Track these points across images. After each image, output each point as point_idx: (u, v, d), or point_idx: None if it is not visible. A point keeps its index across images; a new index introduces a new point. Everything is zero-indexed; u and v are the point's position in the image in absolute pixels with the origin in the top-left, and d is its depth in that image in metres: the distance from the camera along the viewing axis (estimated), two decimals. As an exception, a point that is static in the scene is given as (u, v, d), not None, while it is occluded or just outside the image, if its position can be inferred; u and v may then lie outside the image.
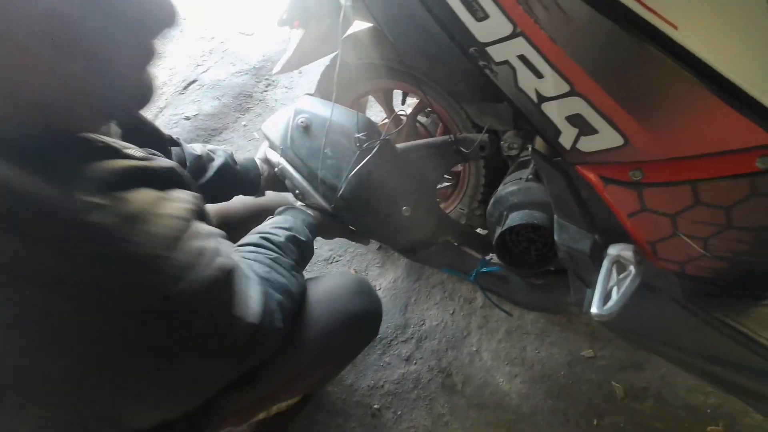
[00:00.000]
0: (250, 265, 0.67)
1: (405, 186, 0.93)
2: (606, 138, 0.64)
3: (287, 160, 0.93)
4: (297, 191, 0.95)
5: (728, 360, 0.77)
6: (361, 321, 0.86)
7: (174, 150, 0.85)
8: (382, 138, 0.89)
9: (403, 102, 1.39)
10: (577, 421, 1.16)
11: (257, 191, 1.01)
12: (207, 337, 0.52)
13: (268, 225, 0.84)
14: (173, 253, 0.45)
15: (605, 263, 0.71)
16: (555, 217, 0.79)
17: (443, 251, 1.03)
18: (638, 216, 0.69)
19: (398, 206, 0.92)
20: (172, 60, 2.39)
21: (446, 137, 0.94)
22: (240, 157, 0.99)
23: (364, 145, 0.87)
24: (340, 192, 0.89)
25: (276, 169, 0.95)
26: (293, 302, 0.74)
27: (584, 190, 0.74)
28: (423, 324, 1.37)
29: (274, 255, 0.75)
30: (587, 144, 0.66)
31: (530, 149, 0.78)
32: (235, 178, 0.95)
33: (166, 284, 0.44)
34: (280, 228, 0.82)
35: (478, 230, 1.14)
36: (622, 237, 0.73)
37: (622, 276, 0.69)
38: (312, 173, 0.91)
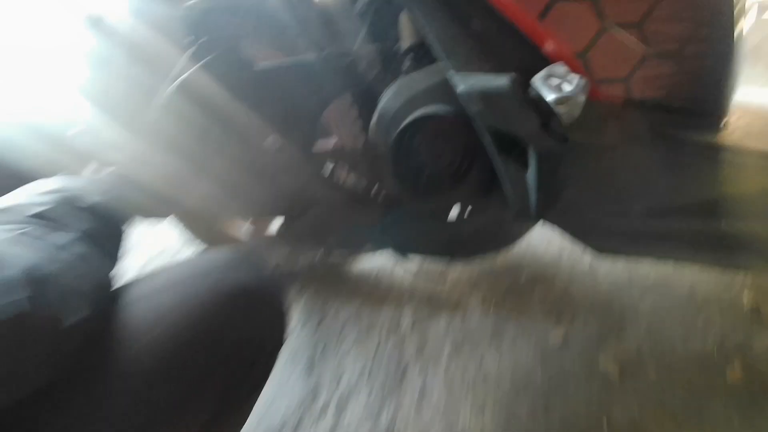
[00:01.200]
0: None
1: (270, 109, 0.62)
2: None
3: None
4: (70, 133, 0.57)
5: (724, 200, 0.56)
6: (244, 304, 0.50)
7: None
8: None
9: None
10: (582, 429, 0.79)
11: None
12: None
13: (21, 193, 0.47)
14: None
15: (538, 83, 0.48)
16: (450, 73, 0.56)
17: (331, 211, 0.70)
18: (552, 12, 0.50)
19: (261, 134, 0.61)
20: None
21: (324, 53, 0.69)
22: None
23: (200, 41, 0.57)
24: (159, 105, 0.55)
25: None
26: (71, 292, 0.39)
27: (475, 17, 0.54)
28: (340, 380, 0.93)
29: (24, 228, 0.41)
30: None
31: None
32: None
33: None
34: (43, 193, 0.47)
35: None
36: (542, 65, 0.53)
37: (567, 79, 0.45)
38: (107, 92, 0.56)
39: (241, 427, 0.56)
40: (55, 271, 0.37)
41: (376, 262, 1.25)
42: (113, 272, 0.47)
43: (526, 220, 0.62)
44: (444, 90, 0.62)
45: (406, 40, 0.69)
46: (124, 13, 0.58)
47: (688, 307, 1.04)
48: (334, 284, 1.17)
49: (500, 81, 0.51)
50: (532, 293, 1.11)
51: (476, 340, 0.98)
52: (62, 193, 0.47)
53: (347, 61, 0.70)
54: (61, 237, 0.41)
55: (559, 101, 0.44)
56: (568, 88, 0.45)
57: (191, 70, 0.57)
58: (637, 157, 0.55)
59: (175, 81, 0.57)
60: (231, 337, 0.49)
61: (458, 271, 1.19)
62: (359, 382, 0.93)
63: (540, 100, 0.48)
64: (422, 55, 0.70)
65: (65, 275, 0.38)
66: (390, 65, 0.76)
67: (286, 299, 0.58)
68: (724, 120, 0.60)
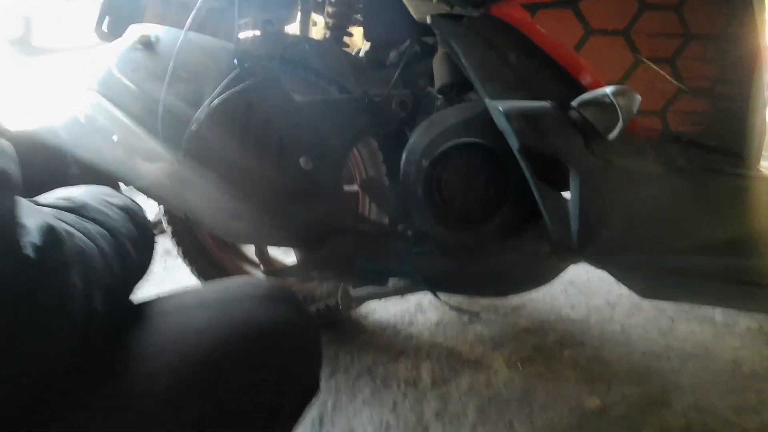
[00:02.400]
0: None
1: (302, 134, 0.65)
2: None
3: (108, 98, 0.59)
4: (114, 138, 0.58)
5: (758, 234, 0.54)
6: (279, 340, 0.47)
7: None
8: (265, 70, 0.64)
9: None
10: None
11: None
12: None
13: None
14: None
15: (584, 95, 0.48)
16: (487, 101, 0.57)
17: (357, 241, 0.68)
18: (587, 45, 0.53)
19: (293, 155, 0.62)
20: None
21: (360, 94, 0.73)
22: None
23: (246, 65, 0.61)
24: (199, 120, 0.57)
25: (83, 117, 0.60)
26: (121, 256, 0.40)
27: (511, 51, 0.57)
28: (352, 437, 0.84)
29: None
30: (495, -42, 0.52)
31: (430, 18, 0.60)
32: None
33: None
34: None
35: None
36: (577, 96, 0.54)
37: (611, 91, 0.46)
38: (150, 107, 0.58)
39: None
40: (70, 238, 0.34)
41: (394, 311, 1.19)
42: (128, 283, 0.43)
43: (565, 254, 0.59)
44: (477, 124, 0.63)
45: (439, 81, 0.73)
46: (176, 38, 0.63)
47: (735, 380, 0.95)
48: (348, 334, 1.11)
49: (541, 103, 0.52)
50: (560, 356, 1.03)
51: (504, 401, 0.89)
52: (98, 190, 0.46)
53: (379, 102, 0.74)
54: (91, 226, 0.39)
55: (618, 92, 0.44)
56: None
57: (236, 88, 0.59)
58: (679, 188, 0.54)
59: (218, 98, 0.59)
60: (263, 374, 0.45)
61: (480, 327, 1.12)
62: (373, 442, 0.83)
63: (581, 121, 0.48)
64: (454, 94, 0.73)
65: (80, 252, 0.34)
66: (420, 107, 0.79)
67: (322, 343, 0.54)
68: (758, 163, 0.59)
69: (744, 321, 1.11)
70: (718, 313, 1.14)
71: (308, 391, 0.52)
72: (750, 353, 1.02)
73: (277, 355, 0.46)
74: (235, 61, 0.61)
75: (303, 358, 0.50)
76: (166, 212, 1.04)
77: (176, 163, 0.59)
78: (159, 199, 0.68)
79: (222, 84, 0.60)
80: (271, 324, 0.46)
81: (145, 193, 0.68)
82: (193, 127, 0.58)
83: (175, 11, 0.82)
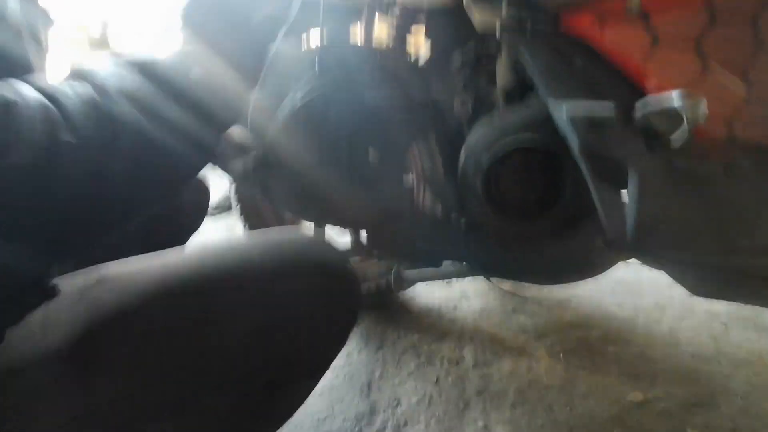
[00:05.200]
0: None
1: (371, 129, 0.71)
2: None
3: None
4: None
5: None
6: (327, 277, 0.51)
7: None
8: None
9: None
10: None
11: None
12: None
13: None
14: None
15: (648, 98, 0.51)
16: (551, 101, 0.60)
17: (416, 224, 0.74)
18: (656, 55, 0.55)
19: (362, 147, 0.69)
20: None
21: (424, 95, 0.79)
22: None
23: (325, 67, 0.69)
24: (285, 113, 0.65)
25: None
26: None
27: (577, 56, 0.59)
28: (398, 404, 0.92)
29: None
30: (568, -33, 0.54)
31: (498, 30, 0.64)
32: None
33: None
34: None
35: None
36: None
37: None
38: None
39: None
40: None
41: (439, 296, 1.25)
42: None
43: (619, 249, 0.62)
44: (536, 124, 0.67)
45: (501, 83, 0.76)
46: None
47: (791, 390, 0.93)
48: (395, 314, 1.19)
49: (605, 105, 0.55)
50: (604, 351, 1.04)
51: (543, 386, 0.93)
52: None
53: (441, 102, 0.78)
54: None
55: (685, 96, 0.45)
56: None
57: (316, 87, 0.66)
58: (742, 190, 0.55)
59: (303, 99, 0.67)
60: (319, 310, 0.49)
61: (524, 318, 1.16)
62: (417, 409, 0.90)
63: (644, 124, 0.51)
64: (514, 96, 0.76)
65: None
66: (482, 108, 0.83)
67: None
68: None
69: (807, 333, 1.07)
70: (777, 323, 1.10)
71: (339, 337, 0.54)
72: (810, 364, 0.99)
73: (327, 288, 0.50)
74: (317, 64, 0.68)
75: (349, 297, 0.53)
76: (237, 191, 1.15)
77: (261, 149, 0.68)
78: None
79: (304, 81, 0.67)
80: (319, 260, 0.50)
81: None
82: (280, 119, 0.66)
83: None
